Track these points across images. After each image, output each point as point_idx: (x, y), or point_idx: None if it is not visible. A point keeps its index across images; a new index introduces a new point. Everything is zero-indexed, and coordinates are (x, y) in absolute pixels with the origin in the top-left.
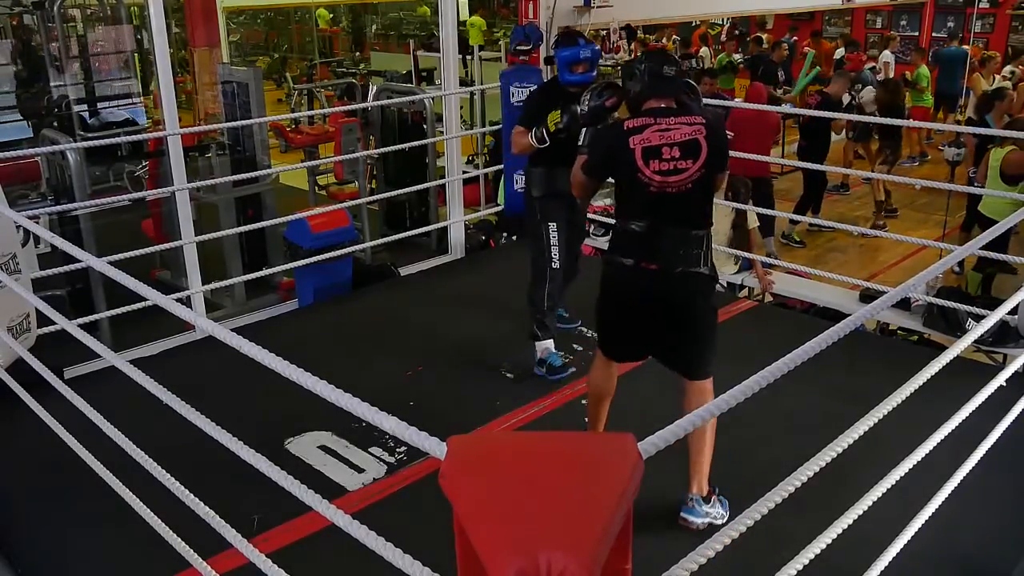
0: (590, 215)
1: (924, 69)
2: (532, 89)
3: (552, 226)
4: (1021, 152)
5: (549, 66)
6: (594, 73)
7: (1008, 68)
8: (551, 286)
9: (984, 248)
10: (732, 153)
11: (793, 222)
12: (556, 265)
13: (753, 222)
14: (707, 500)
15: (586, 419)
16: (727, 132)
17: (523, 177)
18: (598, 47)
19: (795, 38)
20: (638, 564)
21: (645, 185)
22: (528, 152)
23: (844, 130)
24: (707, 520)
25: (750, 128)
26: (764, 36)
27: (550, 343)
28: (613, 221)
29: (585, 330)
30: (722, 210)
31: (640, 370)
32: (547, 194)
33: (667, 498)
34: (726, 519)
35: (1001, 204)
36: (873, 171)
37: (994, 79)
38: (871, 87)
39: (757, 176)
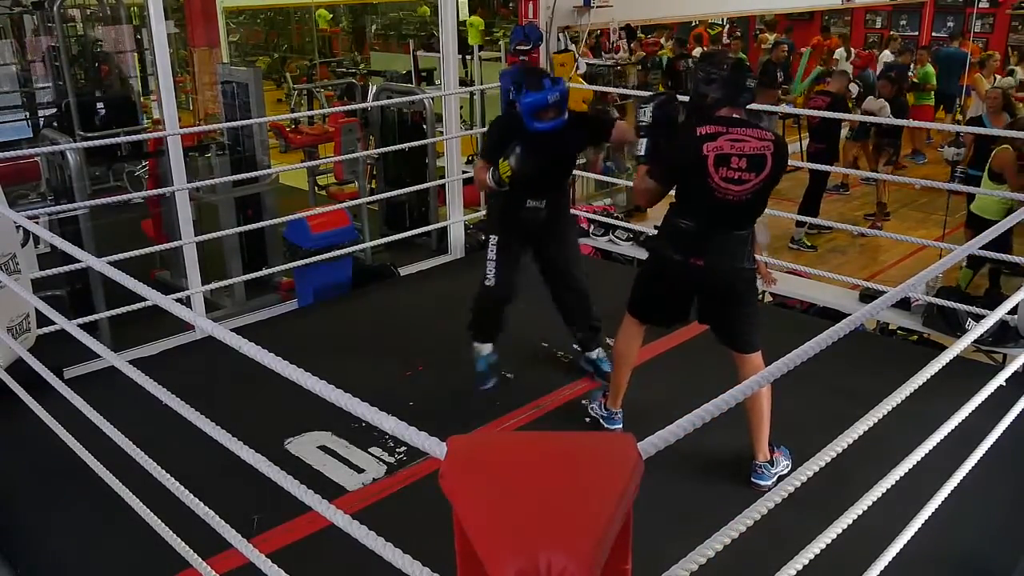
0: (589, 214)
1: (930, 68)
2: (495, 122)
3: (492, 239)
4: (1009, 151)
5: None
6: (565, 117)
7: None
8: (485, 302)
9: (984, 247)
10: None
11: (800, 225)
12: (489, 283)
13: None
14: (772, 463)
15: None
16: None
17: None
18: (566, 84)
19: (793, 41)
20: (638, 564)
21: (711, 190)
22: (483, 187)
23: (849, 127)
24: (775, 480)
25: None
26: (772, 36)
27: (482, 347)
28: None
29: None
30: None
31: (644, 370)
32: (503, 215)
33: (667, 498)
34: (791, 466)
35: (990, 202)
36: (877, 171)
37: (995, 79)
38: (871, 97)
39: None
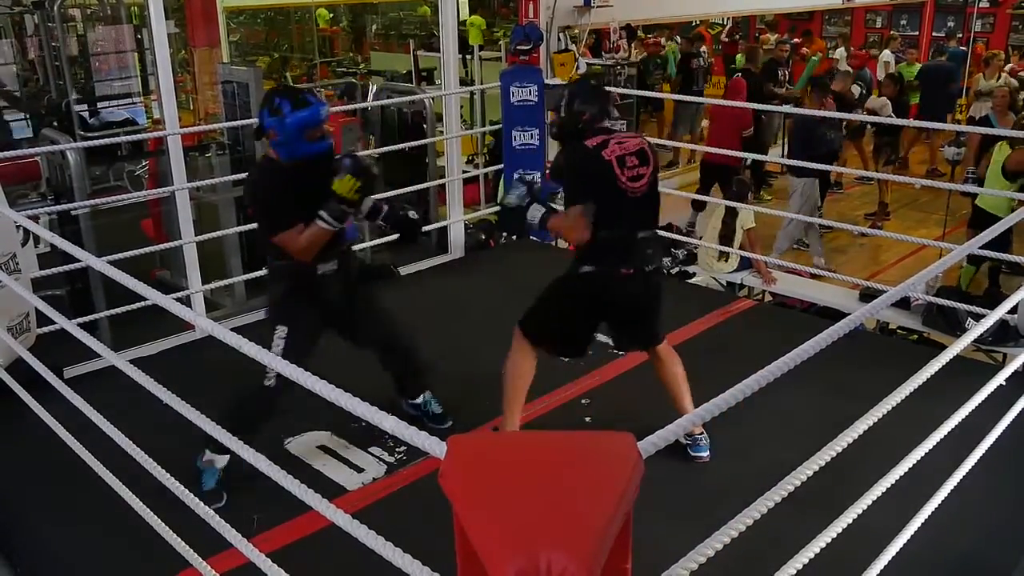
0: None
1: (916, 67)
2: (261, 184)
3: (281, 329)
4: None
5: (262, 139)
6: (330, 140)
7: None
8: (257, 407)
9: (985, 246)
10: (704, 148)
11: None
12: (270, 384)
13: (750, 222)
14: (702, 435)
15: (504, 407)
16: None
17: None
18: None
19: (796, 40)
20: (638, 563)
21: (622, 193)
22: (320, 245)
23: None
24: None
25: (723, 121)
26: (773, 36)
27: (218, 458)
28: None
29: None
30: (712, 208)
31: (640, 370)
32: (293, 292)
33: (667, 498)
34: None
35: (1001, 199)
36: (878, 171)
37: (999, 77)
38: (874, 96)
39: (727, 165)
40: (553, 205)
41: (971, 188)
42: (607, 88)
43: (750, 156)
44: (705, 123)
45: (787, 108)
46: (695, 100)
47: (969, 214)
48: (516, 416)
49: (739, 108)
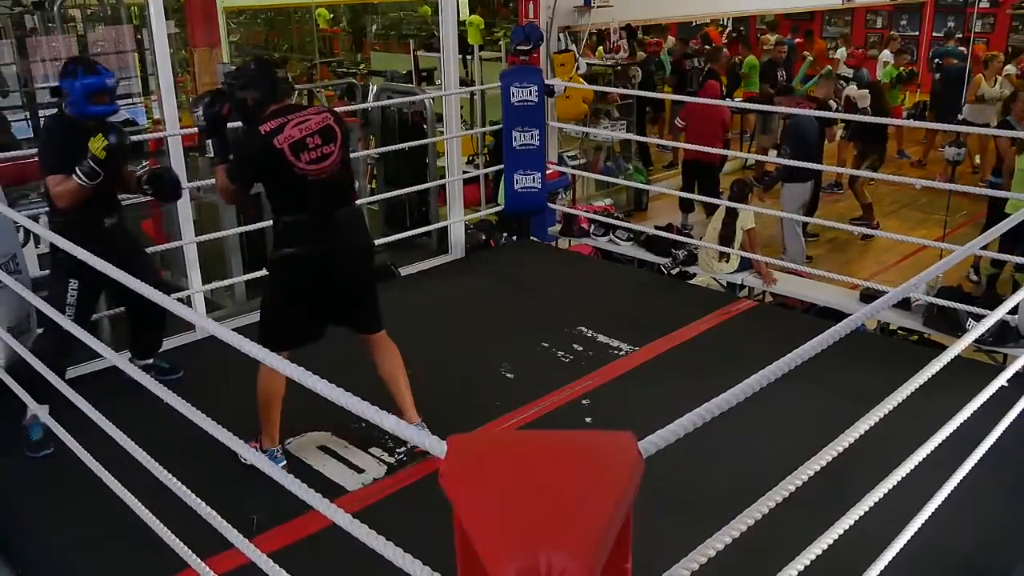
0: (589, 214)
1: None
2: (44, 132)
3: (72, 282)
4: None
5: (57, 97)
6: (117, 104)
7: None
8: (53, 355)
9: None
10: (687, 145)
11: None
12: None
13: (750, 223)
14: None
15: (261, 424)
16: (679, 120)
17: (525, 177)
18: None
19: (798, 40)
20: (638, 563)
21: (301, 178)
22: (78, 200)
23: (843, 128)
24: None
25: (699, 120)
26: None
27: (40, 408)
28: (277, 218)
29: (585, 329)
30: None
31: (640, 370)
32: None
33: (667, 498)
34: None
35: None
36: (855, 178)
37: (996, 80)
38: (854, 86)
39: (705, 163)
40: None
41: (965, 188)
42: (272, 72)
43: (751, 157)
44: None
45: (760, 107)
46: (688, 100)
47: (967, 215)
48: (275, 431)
49: (714, 108)
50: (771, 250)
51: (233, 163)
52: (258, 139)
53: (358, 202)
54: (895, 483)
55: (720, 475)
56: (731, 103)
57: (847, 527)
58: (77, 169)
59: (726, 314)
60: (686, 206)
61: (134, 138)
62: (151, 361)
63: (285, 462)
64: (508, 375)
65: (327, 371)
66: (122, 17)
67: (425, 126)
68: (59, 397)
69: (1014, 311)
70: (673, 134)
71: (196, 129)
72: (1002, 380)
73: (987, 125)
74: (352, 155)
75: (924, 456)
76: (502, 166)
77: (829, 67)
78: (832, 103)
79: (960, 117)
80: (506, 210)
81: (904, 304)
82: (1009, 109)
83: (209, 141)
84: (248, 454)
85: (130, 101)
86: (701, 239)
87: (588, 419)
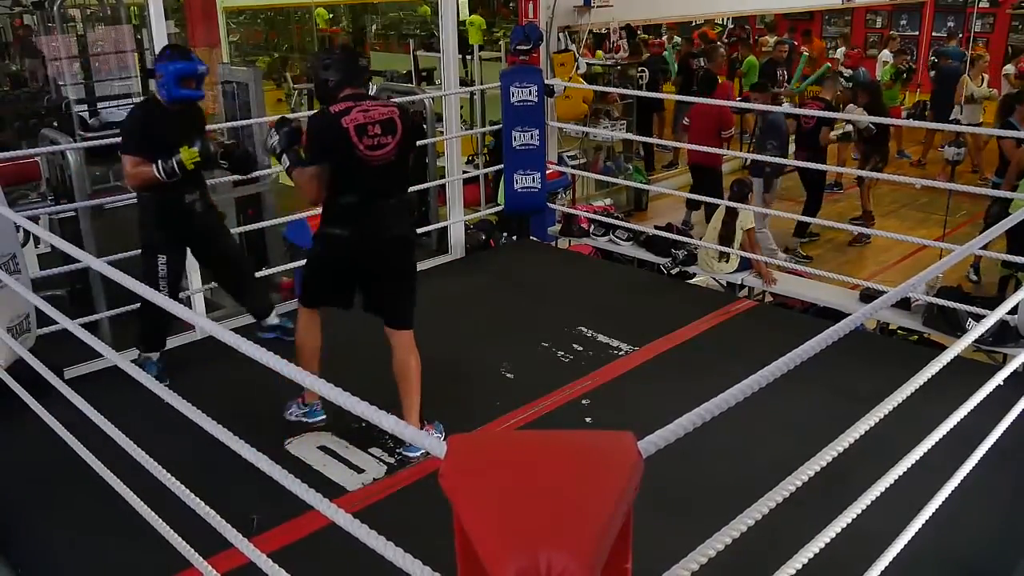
0: (589, 214)
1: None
2: (132, 113)
3: (162, 259)
4: None
5: (151, 79)
6: (203, 91)
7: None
8: (156, 315)
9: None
10: (689, 146)
11: (795, 235)
12: (163, 292)
13: (750, 223)
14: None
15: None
16: (686, 120)
17: (525, 177)
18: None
19: (796, 41)
20: (638, 563)
21: (359, 161)
22: (148, 184)
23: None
24: (423, 453)
25: (701, 121)
26: (772, 38)
27: (152, 355)
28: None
29: (585, 329)
30: (714, 209)
31: (640, 370)
32: (162, 223)
33: (667, 498)
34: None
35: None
36: (862, 180)
37: (983, 79)
38: (852, 105)
39: (705, 165)
40: (301, 153)
41: (965, 188)
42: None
43: (750, 156)
44: None
45: (786, 108)
46: (690, 100)
47: (967, 214)
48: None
49: (716, 109)
50: (771, 250)
51: (309, 146)
52: (327, 116)
53: None
54: (895, 483)
55: (720, 475)
56: (732, 103)
57: (846, 527)
58: (160, 163)
59: (726, 314)
60: (691, 203)
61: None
62: (276, 322)
63: (324, 416)
64: (508, 375)
65: (327, 371)
66: (122, 17)
67: (425, 126)
68: (60, 397)
69: (1014, 311)
70: (680, 134)
71: (272, 149)
72: (1000, 380)
73: (979, 125)
74: None
75: (923, 456)
76: (502, 166)
77: (827, 65)
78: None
79: (953, 117)
80: (506, 210)
81: (904, 304)
82: (1011, 109)
83: (284, 155)
84: (246, 453)
85: (130, 101)
86: (701, 239)
87: (588, 419)
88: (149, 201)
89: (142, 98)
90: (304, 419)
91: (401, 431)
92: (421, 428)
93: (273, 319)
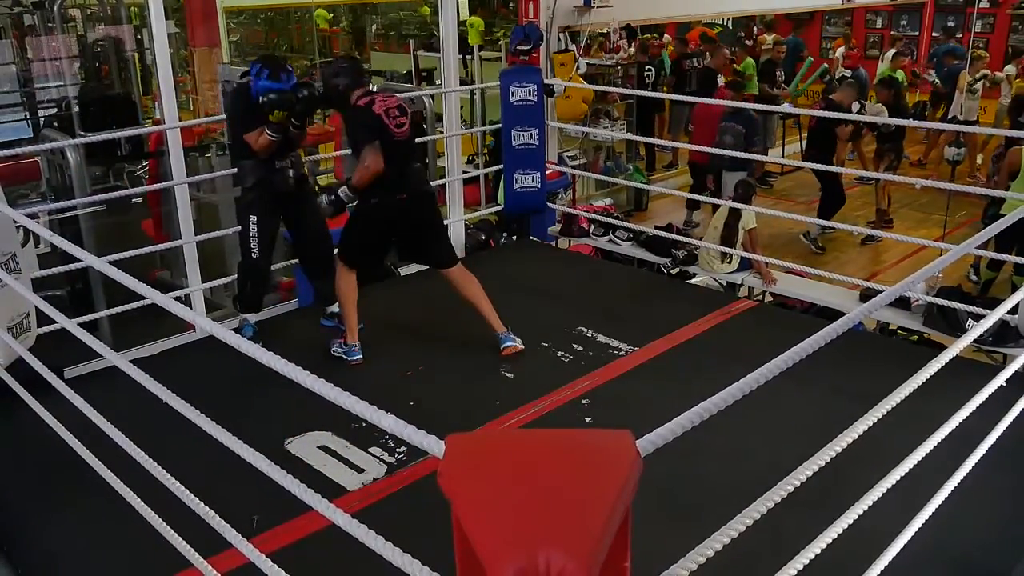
0: (589, 214)
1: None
2: (236, 102)
3: (254, 216)
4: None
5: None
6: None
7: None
8: (254, 276)
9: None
10: (690, 146)
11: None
12: (256, 256)
13: (751, 223)
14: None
15: (345, 322)
16: (689, 127)
17: (524, 177)
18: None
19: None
20: (637, 563)
21: (392, 135)
22: (271, 149)
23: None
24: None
25: (702, 122)
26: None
27: (250, 316)
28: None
29: (584, 329)
30: (717, 209)
31: (640, 370)
32: (259, 184)
33: (667, 497)
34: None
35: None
36: (878, 176)
37: (981, 72)
38: (870, 103)
39: (700, 164)
40: (341, 195)
41: (971, 188)
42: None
43: (750, 156)
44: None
45: (787, 108)
46: (690, 100)
47: (967, 214)
48: (355, 329)
49: (718, 109)
50: (771, 250)
51: (359, 136)
52: (363, 109)
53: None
54: (895, 483)
55: (719, 474)
56: (731, 104)
57: (846, 527)
58: (267, 128)
59: (726, 314)
60: (692, 203)
61: (133, 132)
62: (338, 310)
63: (360, 356)
64: (508, 375)
65: (327, 371)
66: (122, 17)
67: (425, 126)
68: (61, 397)
69: (1014, 311)
70: (679, 134)
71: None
72: (1000, 380)
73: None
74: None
75: (923, 456)
76: (502, 166)
77: (825, 65)
78: (855, 105)
79: (950, 116)
80: (506, 210)
81: (904, 304)
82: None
83: (341, 197)
84: (246, 453)
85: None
86: (701, 239)
87: (588, 419)
88: (246, 166)
89: (237, 86)
90: (345, 356)
91: (401, 431)
92: (506, 329)
93: (336, 307)
